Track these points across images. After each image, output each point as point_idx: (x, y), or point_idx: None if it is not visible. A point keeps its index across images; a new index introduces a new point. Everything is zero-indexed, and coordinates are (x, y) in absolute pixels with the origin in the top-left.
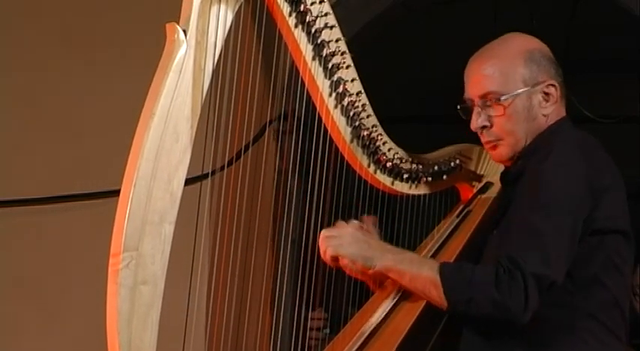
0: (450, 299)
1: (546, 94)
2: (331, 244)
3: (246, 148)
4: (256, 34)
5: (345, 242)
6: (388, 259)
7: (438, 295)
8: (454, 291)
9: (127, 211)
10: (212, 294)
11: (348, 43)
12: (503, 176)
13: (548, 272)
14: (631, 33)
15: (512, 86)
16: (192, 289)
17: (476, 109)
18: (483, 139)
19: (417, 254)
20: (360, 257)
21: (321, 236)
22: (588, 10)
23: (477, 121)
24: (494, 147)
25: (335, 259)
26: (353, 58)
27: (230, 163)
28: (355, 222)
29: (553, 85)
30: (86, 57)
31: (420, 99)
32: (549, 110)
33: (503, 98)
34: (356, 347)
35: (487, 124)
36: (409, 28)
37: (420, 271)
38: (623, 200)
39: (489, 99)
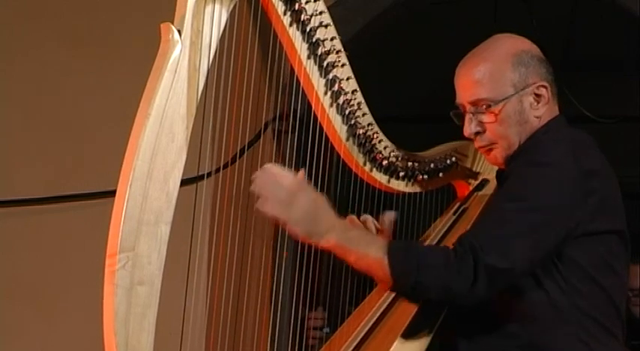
0: (396, 281)
1: (537, 95)
2: (279, 203)
3: (243, 148)
4: (251, 33)
5: (293, 210)
6: (332, 237)
7: (384, 276)
8: (401, 274)
9: (123, 212)
10: (209, 294)
11: (343, 42)
12: (499, 176)
13: (503, 264)
14: (631, 33)
15: (501, 91)
16: (190, 289)
17: (468, 116)
18: (477, 144)
19: (364, 232)
20: (305, 231)
21: (271, 183)
22: (588, 10)
23: (469, 127)
24: (489, 151)
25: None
26: (348, 57)
27: (227, 165)
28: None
29: (544, 86)
30: (82, 57)
31: (420, 99)
32: (541, 111)
33: (493, 104)
34: (353, 346)
35: (480, 129)
36: (409, 28)
37: (366, 250)
38: (616, 200)
39: (480, 105)
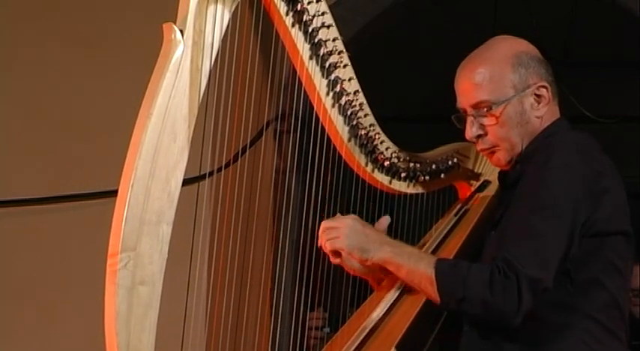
0: (443, 296)
1: (538, 95)
2: (330, 237)
3: (245, 148)
4: (253, 33)
5: (342, 234)
6: (386, 251)
7: (433, 291)
8: (448, 289)
9: (125, 211)
10: (210, 294)
11: (345, 43)
12: (502, 178)
13: (543, 276)
14: (631, 33)
15: (502, 93)
16: (191, 289)
17: (469, 119)
18: (479, 147)
19: (416, 248)
20: (357, 249)
21: (321, 228)
22: (588, 10)
23: (471, 131)
24: (492, 153)
25: (336, 253)
26: (350, 57)
27: (228, 164)
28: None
29: (544, 87)
30: (85, 57)
31: (420, 99)
32: (542, 112)
33: (494, 107)
34: (354, 346)
35: (481, 132)
36: (409, 28)
37: (417, 266)
38: (623, 201)
39: (481, 108)
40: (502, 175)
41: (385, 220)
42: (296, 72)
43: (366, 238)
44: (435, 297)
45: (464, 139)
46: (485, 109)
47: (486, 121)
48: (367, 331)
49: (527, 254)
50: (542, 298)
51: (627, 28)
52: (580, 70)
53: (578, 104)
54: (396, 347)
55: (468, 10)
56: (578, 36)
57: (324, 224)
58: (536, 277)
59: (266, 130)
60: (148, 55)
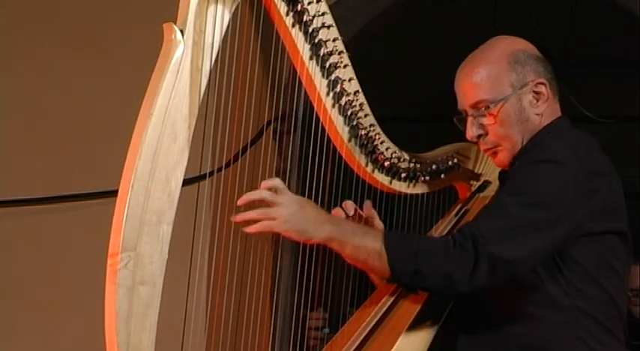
0: (394, 270)
1: (536, 93)
2: (266, 217)
3: (245, 148)
4: (254, 33)
5: (279, 217)
6: (325, 230)
7: (381, 266)
8: (399, 262)
9: (125, 211)
10: (210, 294)
11: (345, 43)
12: (501, 176)
13: (505, 255)
14: (631, 33)
15: (499, 91)
16: (191, 289)
17: (469, 119)
18: (482, 148)
19: (358, 224)
20: (296, 232)
21: (262, 203)
22: (588, 10)
23: (471, 131)
24: (495, 154)
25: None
26: (350, 58)
27: (228, 164)
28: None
29: (542, 84)
30: (85, 57)
31: (420, 99)
32: (542, 109)
33: (492, 105)
34: (355, 346)
35: (482, 132)
36: (409, 28)
37: (362, 241)
38: (618, 201)
39: (480, 108)
40: (501, 174)
41: (369, 204)
42: (296, 72)
43: (304, 218)
44: (385, 272)
45: (464, 140)
46: (484, 109)
47: (486, 120)
48: (367, 331)
49: (492, 230)
50: (540, 297)
51: (627, 28)
52: (580, 70)
53: (578, 104)
54: (396, 348)
55: (468, 10)
56: (578, 36)
57: (265, 197)
58: (497, 254)
59: (266, 130)
60: (148, 55)
